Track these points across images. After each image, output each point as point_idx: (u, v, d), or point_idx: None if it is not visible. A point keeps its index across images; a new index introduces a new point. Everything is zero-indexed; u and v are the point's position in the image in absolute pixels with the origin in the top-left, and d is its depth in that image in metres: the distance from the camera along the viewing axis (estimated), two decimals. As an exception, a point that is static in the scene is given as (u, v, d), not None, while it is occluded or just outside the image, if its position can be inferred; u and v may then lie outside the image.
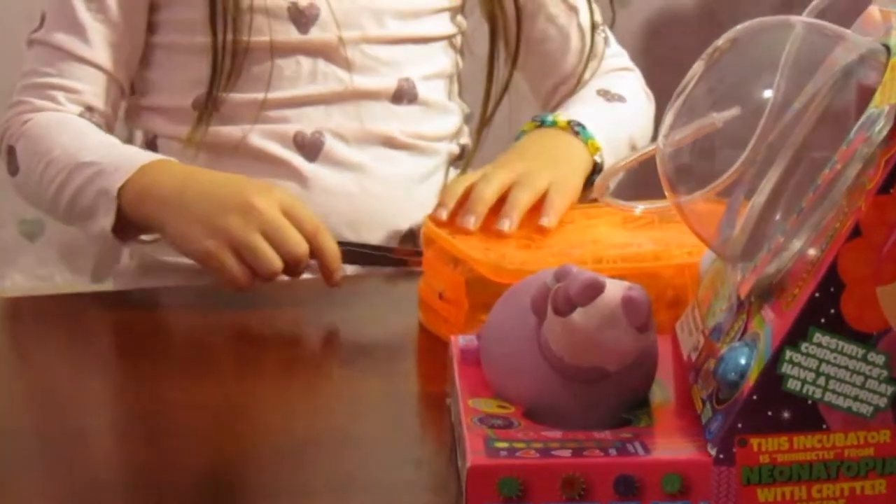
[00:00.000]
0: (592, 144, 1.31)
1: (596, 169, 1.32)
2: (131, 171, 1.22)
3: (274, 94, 1.30)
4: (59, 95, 1.31)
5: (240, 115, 1.32)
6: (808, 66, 0.89)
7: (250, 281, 1.20)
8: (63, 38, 1.31)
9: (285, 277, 1.22)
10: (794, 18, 0.92)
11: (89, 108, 1.31)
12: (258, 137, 1.31)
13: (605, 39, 1.43)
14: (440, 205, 1.19)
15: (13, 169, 1.32)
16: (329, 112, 1.31)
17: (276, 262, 1.19)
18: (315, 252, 1.21)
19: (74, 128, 1.30)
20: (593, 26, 1.40)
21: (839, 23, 0.94)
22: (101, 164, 1.24)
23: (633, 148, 1.37)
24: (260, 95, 1.30)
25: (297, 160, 1.31)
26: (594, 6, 1.42)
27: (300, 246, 1.19)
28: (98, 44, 1.30)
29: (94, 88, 1.31)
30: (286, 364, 1.20)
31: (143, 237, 1.30)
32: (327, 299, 1.26)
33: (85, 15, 1.30)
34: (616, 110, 1.40)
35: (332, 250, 1.21)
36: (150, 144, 1.36)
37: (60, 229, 1.99)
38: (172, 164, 1.25)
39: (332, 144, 1.31)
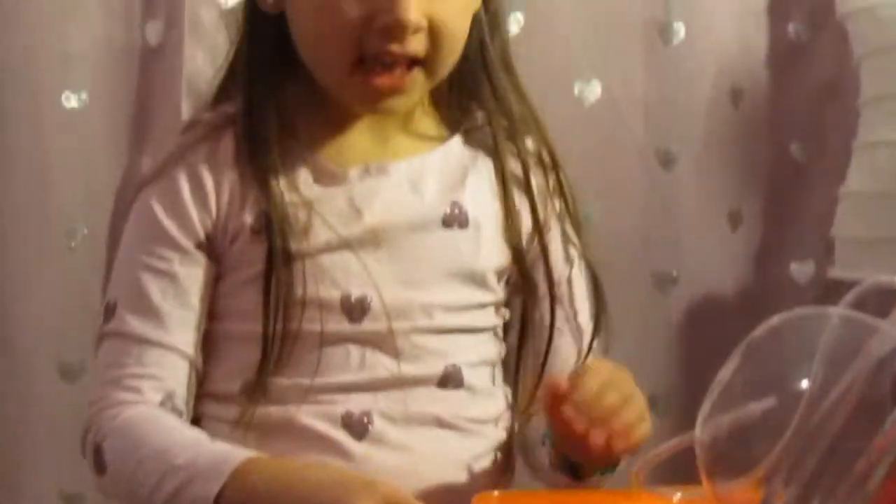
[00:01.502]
0: None
1: None
2: (225, 477, 1.21)
3: (321, 380, 1.32)
4: (143, 384, 1.30)
5: (287, 397, 1.32)
6: (845, 356, 0.91)
7: None
8: (139, 325, 1.31)
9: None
10: (831, 310, 0.94)
11: (171, 394, 1.31)
12: (306, 416, 1.31)
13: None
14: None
15: (100, 468, 1.30)
16: (376, 396, 1.33)
17: None
18: None
19: (162, 425, 1.28)
20: (594, 335, 1.43)
21: (875, 313, 0.96)
22: (194, 467, 1.23)
23: None
24: (307, 380, 1.31)
25: (345, 439, 1.31)
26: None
27: None
28: (175, 328, 1.31)
29: (174, 373, 1.31)
30: None
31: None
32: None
33: (160, 300, 1.31)
34: None
35: None
36: (195, 422, 1.36)
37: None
38: (264, 464, 1.23)
39: (380, 425, 1.32)
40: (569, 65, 2.07)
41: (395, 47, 1.25)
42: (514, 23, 2.04)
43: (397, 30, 1.23)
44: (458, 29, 1.30)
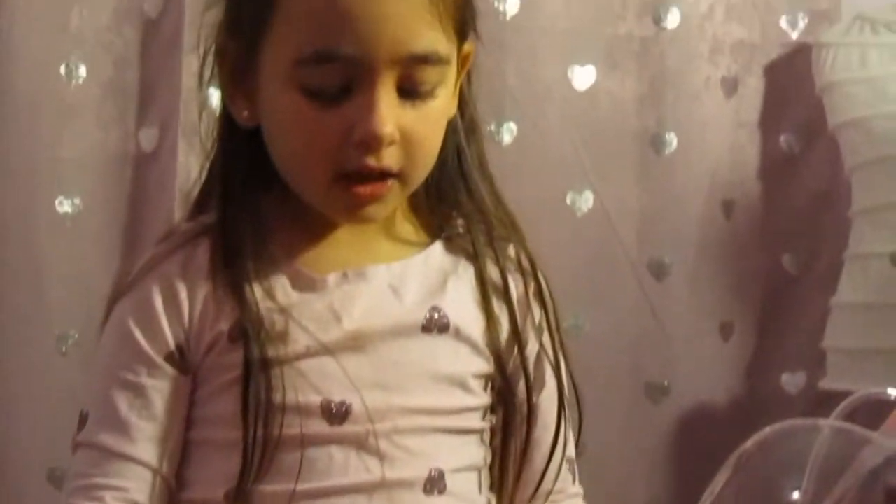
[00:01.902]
0: None
1: None
2: None
3: (305, 486, 1.31)
4: (106, 495, 1.30)
5: (272, 503, 1.32)
6: (836, 468, 0.91)
7: None
8: (106, 437, 1.31)
9: None
10: (822, 421, 0.94)
11: (134, 504, 1.32)
12: (292, 521, 1.31)
13: (574, 474, 1.46)
14: None
15: None
16: (361, 500, 1.32)
17: None
18: None
19: None
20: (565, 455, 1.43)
21: (867, 424, 0.96)
22: None
23: None
24: (291, 486, 1.31)
25: (331, 541, 1.31)
26: (570, 440, 1.44)
27: None
28: (140, 440, 1.31)
29: (139, 485, 1.31)
30: None
31: None
32: None
33: (128, 413, 1.31)
34: None
35: None
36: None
37: None
38: None
39: (367, 527, 1.31)
40: (561, 175, 2.09)
41: (371, 161, 1.25)
42: (507, 132, 2.06)
43: (373, 143, 1.24)
44: (431, 140, 1.30)
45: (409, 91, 1.25)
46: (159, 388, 1.32)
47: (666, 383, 2.14)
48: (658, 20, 2.11)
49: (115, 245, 2.02)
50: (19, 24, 1.96)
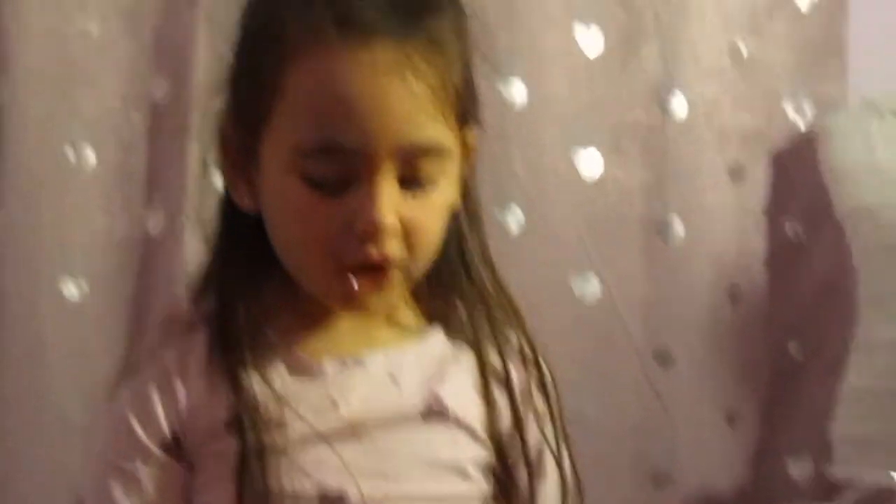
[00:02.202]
0: None
1: None
2: None
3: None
4: None
5: None
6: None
7: None
8: None
9: None
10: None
11: None
12: None
13: None
14: None
15: None
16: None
17: None
18: None
19: None
20: None
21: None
22: None
23: None
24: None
25: None
26: None
27: None
28: None
29: None
30: None
31: None
32: None
33: (122, 501, 1.32)
34: None
35: None
36: None
37: None
38: None
39: None
40: (566, 262, 2.09)
41: (372, 250, 1.25)
42: (513, 218, 2.06)
43: (375, 234, 1.24)
44: (433, 231, 1.30)
45: (411, 181, 1.26)
46: (154, 476, 1.31)
47: (671, 471, 2.13)
48: (665, 108, 2.12)
49: (120, 329, 2.02)
50: (25, 103, 1.98)
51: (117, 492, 1.31)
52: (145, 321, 2.02)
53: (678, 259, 2.13)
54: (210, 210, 1.98)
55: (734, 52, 2.15)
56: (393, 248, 1.26)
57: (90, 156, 2.01)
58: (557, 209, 2.09)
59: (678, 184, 2.13)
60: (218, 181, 1.98)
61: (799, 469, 2.20)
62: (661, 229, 2.12)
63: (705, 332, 2.14)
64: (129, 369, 1.35)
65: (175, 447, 1.32)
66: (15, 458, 1.99)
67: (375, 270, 1.28)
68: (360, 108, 1.22)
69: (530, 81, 2.07)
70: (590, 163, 2.10)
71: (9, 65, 1.97)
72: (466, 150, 1.32)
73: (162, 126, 2.02)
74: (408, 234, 1.27)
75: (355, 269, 1.27)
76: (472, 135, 1.33)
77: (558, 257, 2.08)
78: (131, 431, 1.31)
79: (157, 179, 2.02)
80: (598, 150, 2.11)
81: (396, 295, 1.33)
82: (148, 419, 1.31)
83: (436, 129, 1.25)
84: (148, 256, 2.02)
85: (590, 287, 2.09)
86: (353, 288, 1.27)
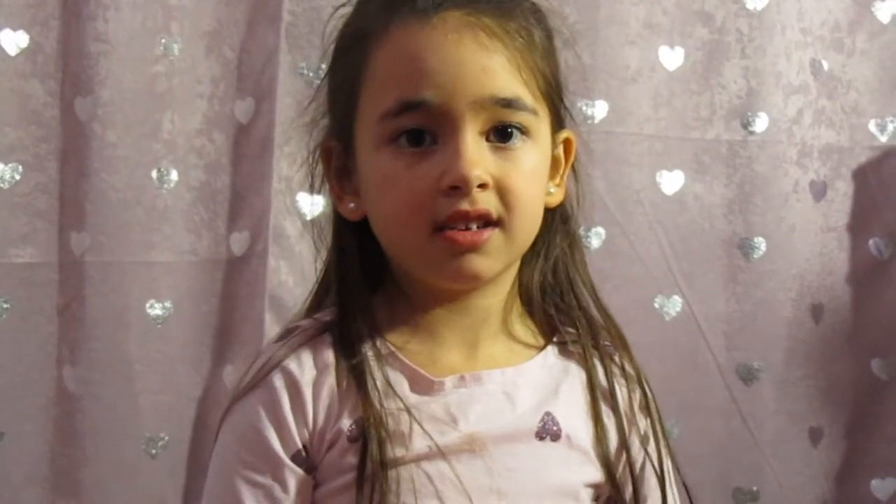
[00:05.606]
0: None
1: None
2: None
3: None
4: None
5: None
6: None
7: None
8: None
9: None
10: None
11: None
12: None
13: None
14: None
15: None
16: None
17: None
18: None
19: None
20: None
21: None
22: None
23: None
24: None
25: None
26: None
27: None
28: None
29: None
30: None
31: None
32: None
33: None
34: None
35: None
36: None
37: None
38: None
39: None
40: (650, 279, 2.09)
41: (464, 205, 1.25)
42: (596, 237, 2.07)
43: (463, 186, 1.24)
44: (526, 191, 1.30)
45: (497, 136, 1.26)
46: (288, 488, 1.31)
47: (755, 489, 2.12)
48: (746, 125, 2.11)
49: (205, 349, 2.03)
50: (114, 128, 1.99)
51: (250, 501, 1.30)
52: (229, 340, 2.03)
53: (760, 276, 2.12)
54: (291, 230, 2.01)
55: (816, 68, 2.14)
56: (487, 202, 1.26)
57: (174, 176, 2.02)
58: (640, 227, 2.09)
59: (760, 201, 2.12)
60: (301, 201, 2.02)
61: (882, 488, 2.19)
62: (742, 246, 2.11)
63: (788, 349, 2.14)
64: (252, 381, 1.35)
65: (305, 457, 1.32)
66: (103, 478, 2.01)
67: (472, 229, 1.28)
68: (434, 64, 1.24)
69: (612, 101, 2.07)
70: (671, 180, 2.10)
71: (94, 86, 1.99)
72: (566, 148, 1.35)
73: (245, 147, 2.03)
74: (501, 192, 1.27)
75: (451, 227, 1.27)
76: (569, 133, 1.34)
77: (641, 275, 2.08)
78: (264, 441, 1.30)
79: (241, 200, 2.04)
80: (680, 168, 2.10)
81: (499, 262, 1.32)
82: (280, 428, 1.30)
83: (512, 84, 1.26)
84: (232, 276, 2.04)
85: (672, 304, 2.09)
86: (450, 246, 1.27)
